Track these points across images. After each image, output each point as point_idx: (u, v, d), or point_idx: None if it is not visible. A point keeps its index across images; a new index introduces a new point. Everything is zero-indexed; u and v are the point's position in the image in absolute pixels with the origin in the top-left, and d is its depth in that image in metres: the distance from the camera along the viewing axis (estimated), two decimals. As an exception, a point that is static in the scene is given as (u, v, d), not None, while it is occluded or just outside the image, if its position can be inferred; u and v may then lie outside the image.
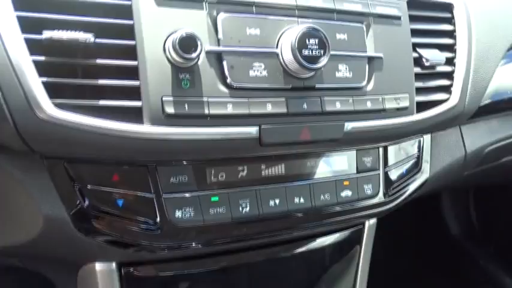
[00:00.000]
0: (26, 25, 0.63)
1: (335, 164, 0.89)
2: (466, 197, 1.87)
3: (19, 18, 0.62)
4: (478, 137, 1.11)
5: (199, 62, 0.69)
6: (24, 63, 0.62)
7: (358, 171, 0.91)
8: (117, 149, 0.69)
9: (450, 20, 0.98)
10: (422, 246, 1.96)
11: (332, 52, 0.75)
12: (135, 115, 0.67)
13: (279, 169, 0.83)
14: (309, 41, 0.73)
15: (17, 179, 0.70)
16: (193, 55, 0.67)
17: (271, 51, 0.74)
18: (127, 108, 0.67)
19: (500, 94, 1.09)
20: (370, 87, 0.83)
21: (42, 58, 0.63)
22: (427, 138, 1.02)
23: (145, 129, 0.67)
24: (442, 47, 0.95)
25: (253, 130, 0.73)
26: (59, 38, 0.63)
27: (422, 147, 1.01)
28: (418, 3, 0.92)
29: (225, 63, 0.71)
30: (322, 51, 0.73)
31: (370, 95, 0.82)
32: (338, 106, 0.79)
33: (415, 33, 0.90)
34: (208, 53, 0.70)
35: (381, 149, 0.94)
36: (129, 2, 0.68)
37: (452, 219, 1.90)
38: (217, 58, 0.71)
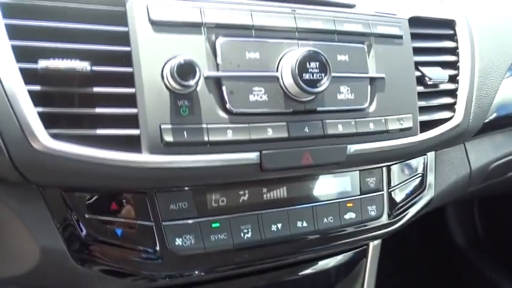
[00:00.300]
0: (21, 54, 0.61)
1: (338, 186, 0.87)
2: (471, 207, 1.86)
3: (14, 47, 0.61)
4: (483, 153, 1.10)
5: (198, 88, 0.68)
6: (19, 93, 0.60)
7: (361, 193, 0.89)
8: (115, 178, 0.67)
9: (452, 37, 0.96)
10: (427, 256, 1.93)
11: (333, 74, 0.74)
12: (133, 143, 0.66)
13: (281, 192, 0.82)
14: (309, 64, 0.72)
15: (13, 210, 0.69)
16: (192, 82, 0.65)
17: (271, 75, 0.73)
18: (125, 137, 0.66)
19: (505, 108, 1.07)
20: (372, 108, 0.81)
21: (37, 88, 0.62)
22: (431, 156, 1.01)
23: (144, 158, 0.66)
24: (444, 65, 0.94)
25: (254, 156, 0.72)
26: (55, 67, 0.62)
27: (427, 165, 1.00)
28: (419, 20, 0.91)
29: (224, 88, 0.70)
30: (323, 75, 0.72)
31: (372, 117, 0.81)
32: (340, 129, 0.77)
33: (417, 51, 0.89)
34: (207, 78, 0.69)
35: (384, 169, 0.92)
36: (125, 29, 0.66)
37: (457, 229, 1.88)
38: (216, 83, 0.70)
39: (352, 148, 0.79)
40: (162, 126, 0.66)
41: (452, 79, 0.94)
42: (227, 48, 0.71)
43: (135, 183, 0.70)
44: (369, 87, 0.81)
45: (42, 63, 0.61)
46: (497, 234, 1.79)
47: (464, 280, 1.82)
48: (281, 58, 0.74)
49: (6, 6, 0.62)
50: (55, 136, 0.62)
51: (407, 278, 1.88)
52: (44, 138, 0.61)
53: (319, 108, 0.76)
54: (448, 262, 1.87)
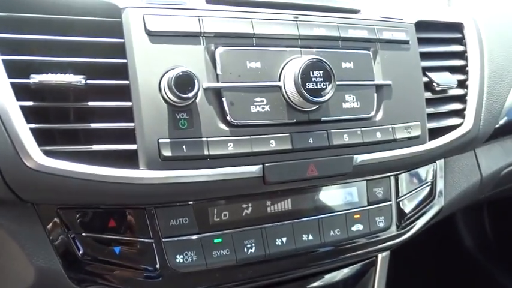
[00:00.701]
0: (13, 69, 0.59)
1: (344, 197, 0.84)
2: (480, 211, 1.82)
3: (5, 62, 0.59)
4: (494, 159, 1.06)
5: (197, 100, 0.66)
6: (11, 109, 0.58)
7: (369, 203, 0.86)
8: (112, 195, 0.65)
9: (461, 41, 0.94)
10: (436, 260, 1.90)
11: (338, 82, 0.71)
12: (130, 159, 0.64)
13: (285, 205, 0.79)
14: (313, 73, 0.69)
15: (5, 229, 0.66)
16: (190, 94, 0.63)
17: (274, 84, 0.70)
18: (121, 152, 0.63)
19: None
20: (379, 117, 0.78)
21: (30, 103, 0.60)
22: (440, 163, 0.98)
23: (141, 174, 0.63)
24: (453, 69, 0.91)
25: (256, 169, 0.69)
26: (48, 82, 0.59)
27: (436, 173, 0.96)
28: (426, 24, 0.88)
29: (224, 100, 0.67)
30: (327, 83, 0.70)
31: (379, 126, 0.78)
32: (346, 139, 0.74)
33: (424, 56, 0.86)
34: (206, 90, 0.67)
35: (392, 178, 0.89)
36: (121, 40, 0.64)
37: (466, 233, 1.85)
38: (216, 95, 0.67)
39: (359, 158, 0.76)
40: (160, 141, 0.63)
41: (461, 84, 0.91)
42: (227, 58, 0.68)
43: (133, 199, 0.68)
44: (375, 95, 0.79)
45: (35, 78, 0.59)
46: (507, 237, 1.76)
47: (474, 284, 1.79)
48: (283, 67, 0.71)
49: None
50: (49, 153, 0.60)
51: (416, 283, 1.85)
52: (37, 156, 0.59)
53: (323, 118, 0.73)
54: (458, 266, 1.84)
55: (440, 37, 0.91)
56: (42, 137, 0.60)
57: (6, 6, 0.61)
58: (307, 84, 0.68)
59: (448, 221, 1.81)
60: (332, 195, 0.83)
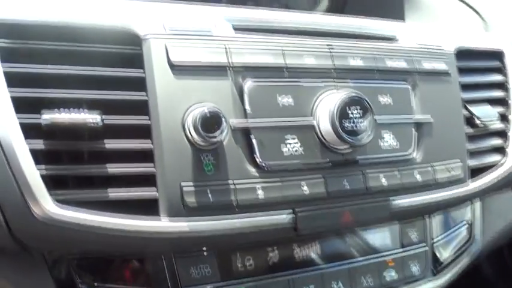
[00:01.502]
0: (22, 106, 0.53)
1: (376, 240, 0.77)
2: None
3: (14, 98, 0.53)
4: (532, 195, 0.99)
5: (224, 141, 0.59)
6: (19, 150, 0.52)
7: (402, 246, 0.79)
8: (131, 247, 0.59)
9: (501, 70, 0.87)
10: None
11: (377, 120, 0.65)
12: (149, 205, 0.57)
13: (314, 250, 0.72)
14: (350, 110, 0.63)
15: (9, 279, 0.60)
16: (217, 134, 0.56)
17: (306, 123, 0.64)
18: (140, 199, 0.57)
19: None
20: (418, 155, 0.72)
21: (40, 145, 0.53)
22: (477, 202, 0.91)
23: (163, 224, 0.57)
24: (492, 101, 0.84)
25: (287, 218, 0.63)
26: (62, 121, 0.53)
27: (473, 213, 0.89)
28: (465, 53, 0.81)
29: (254, 140, 0.61)
30: (366, 123, 0.63)
31: (418, 166, 0.72)
32: (383, 182, 0.68)
33: (463, 87, 0.80)
34: (234, 129, 0.60)
35: (427, 220, 0.82)
36: (142, 74, 0.58)
37: (486, 262, 1.77)
38: (244, 134, 0.61)
39: (397, 203, 0.69)
40: (184, 187, 0.57)
41: (502, 117, 0.85)
42: (256, 92, 0.62)
43: (153, 250, 0.61)
44: (414, 131, 0.72)
45: (47, 116, 0.53)
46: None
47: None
48: (316, 102, 0.65)
49: (6, 49, 0.54)
50: (60, 201, 0.53)
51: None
52: (47, 204, 0.52)
53: (360, 160, 0.67)
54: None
55: (480, 66, 0.85)
56: (52, 182, 0.53)
57: (15, 33, 0.55)
58: (343, 122, 0.62)
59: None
60: (364, 239, 0.76)
